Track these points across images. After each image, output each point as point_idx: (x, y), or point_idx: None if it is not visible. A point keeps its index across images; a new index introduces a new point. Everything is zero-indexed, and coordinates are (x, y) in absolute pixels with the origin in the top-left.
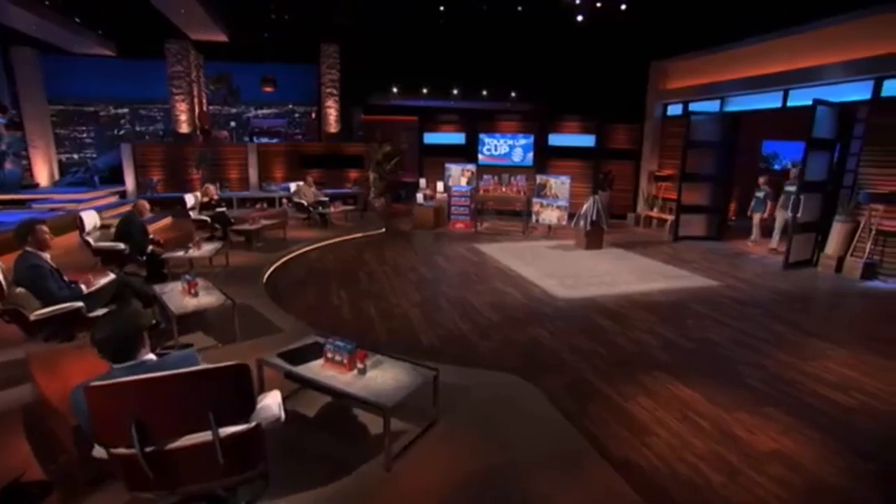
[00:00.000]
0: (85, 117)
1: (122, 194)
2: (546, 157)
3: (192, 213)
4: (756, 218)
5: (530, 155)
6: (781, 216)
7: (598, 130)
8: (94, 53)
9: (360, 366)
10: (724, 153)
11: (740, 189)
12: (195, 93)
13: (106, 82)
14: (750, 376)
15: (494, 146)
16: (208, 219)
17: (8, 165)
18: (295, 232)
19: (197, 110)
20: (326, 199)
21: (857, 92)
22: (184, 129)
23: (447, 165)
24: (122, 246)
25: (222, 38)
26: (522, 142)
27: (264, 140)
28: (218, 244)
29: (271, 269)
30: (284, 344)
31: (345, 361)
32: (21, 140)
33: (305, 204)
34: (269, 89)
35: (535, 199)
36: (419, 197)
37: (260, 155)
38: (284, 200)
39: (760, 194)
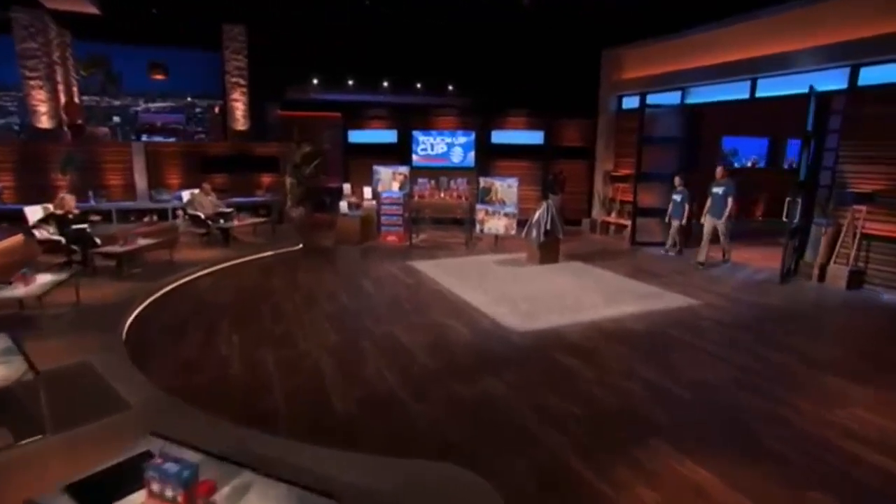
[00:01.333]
0: None
1: None
2: (490, 157)
3: (36, 232)
4: (674, 225)
5: (472, 154)
6: (710, 222)
7: (548, 126)
8: None
9: None
10: (684, 150)
11: (700, 189)
12: (59, 78)
13: None
14: (769, 436)
15: (430, 145)
16: (62, 238)
17: None
18: (188, 252)
19: (63, 100)
20: (230, 210)
21: (833, 81)
22: (44, 123)
23: (375, 168)
24: None
25: (92, 10)
26: (462, 139)
27: (158, 139)
28: (60, 276)
29: (142, 306)
30: (122, 433)
31: (179, 499)
32: None
33: (202, 216)
34: (158, 77)
35: (478, 206)
36: (342, 206)
37: (150, 157)
38: (179, 212)
39: (678, 197)
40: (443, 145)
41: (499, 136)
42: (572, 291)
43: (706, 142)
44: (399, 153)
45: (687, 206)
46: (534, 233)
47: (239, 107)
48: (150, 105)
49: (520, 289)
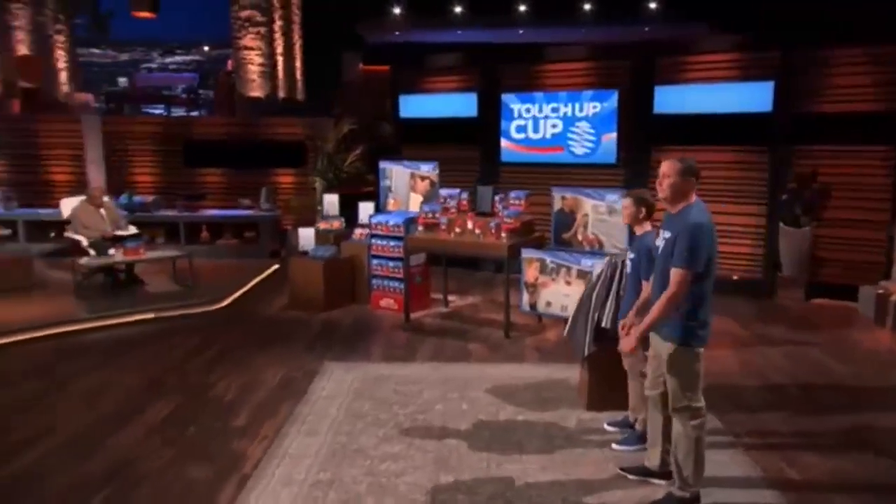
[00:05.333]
0: None
1: None
2: (650, 141)
3: None
4: None
5: (610, 138)
6: None
7: (785, 69)
8: None
9: None
10: None
11: None
12: (18, 22)
13: None
14: None
15: (533, 118)
16: None
17: None
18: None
19: (20, 52)
20: (130, 231)
21: None
22: None
23: (382, 166)
24: None
25: None
26: (593, 107)
27: (157, 111)
28: None
29: None
30: None
31: None
32: None
33: (85, 242)
34: (144, 15)
35: (527, 252)
36: (301, 236)
37: (108, 140)
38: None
39: None
40: (555, 121)
41: (669, 96)
42: None
43: None
44: (480, 135)
45: None
46: (578, 328)
47: (253, 59)
48: (166, 61)
49: None
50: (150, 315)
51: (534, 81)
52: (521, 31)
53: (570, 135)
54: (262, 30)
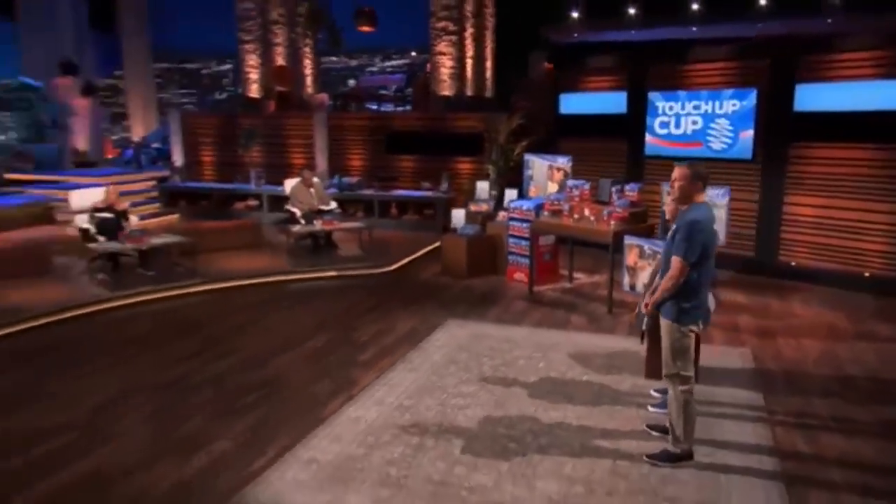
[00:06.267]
0: (188, 76)
1: (163, 179)
2: (794, 136)
3: (78, 219)
4: None
5: (747, 135)
6: None
7: None
8: None
9: None
10: None
11: None
12: (279, 39)
13: (206, 31)
14: None
15: (676, 116)
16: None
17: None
18: (237, 258)
19: (278, 63)
20: (330, 208)
21: None
22: (255, 92)
23: (526, 158)
24: None
25: None
26: (732, 105)
27: (373, 108)
28: None
29: None
30: None
31: None
32: (64, 109)
33: (298, 214)
34: (366, 29)
35: (629, 240)
36: (455, 216)
37: (332, 133)
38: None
39: None
40: (695, 118)
41: (810, 94)
42: None
43: None
44: (629, 129)
45: None
46: (640, 306)
47: (445, 63)
48: (384, 65)
49: None
50: (334, 273)
51: (678, 81)
52: (694, 29)
53: (709, 131)
54: (454, 38)
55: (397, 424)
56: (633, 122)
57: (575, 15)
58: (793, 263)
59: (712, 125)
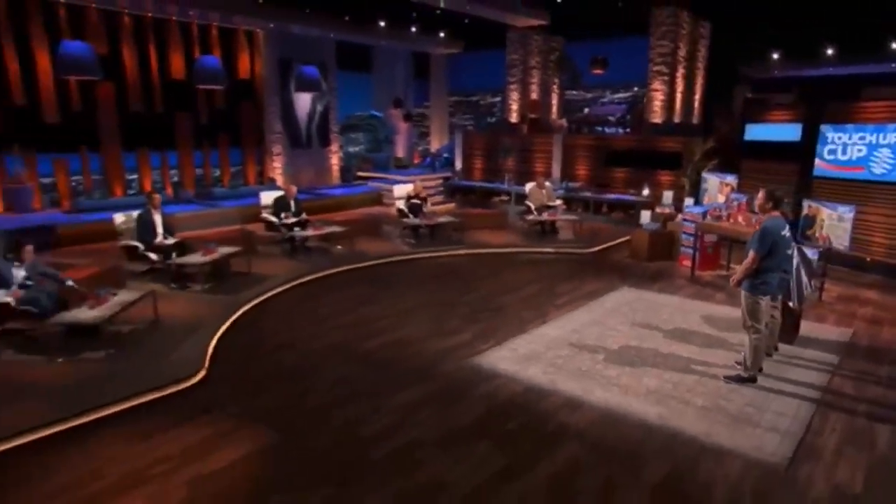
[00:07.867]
0: (470, 106)
1: (447, 178)
2: None
3: (398, 203)
4: None
5: None
6: None
7: None
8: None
9: None
10: None
11: None
12: (534, 79)
13: (484, 74)
14: None
15: (843, 145)
16: (405, 208)
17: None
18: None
19: (533, 97)
20: (556, 203)
21: None
22: (513, 118)
23: (704, 175)
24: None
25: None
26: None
27: (599, 130)
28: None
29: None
30: None
31: None
32: (392, 129)
33: (532, 207)
34: (598, 71)
35: None
36: (644, 216)
37: (565, 149)
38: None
39: None
40: (860, 147)
41: None
42: None
43: None
44: (801, 155)
45: None
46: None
47: (657, 97)
48: (614, 96)
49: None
50: (551, 249)
51: (848, 116)
52: (893, 65)
53: (872, 158)
54: (666, 77)
55: (568, 341)
56: (805, 148)
57: (776, 56)
58: None
59: (875, 153)
